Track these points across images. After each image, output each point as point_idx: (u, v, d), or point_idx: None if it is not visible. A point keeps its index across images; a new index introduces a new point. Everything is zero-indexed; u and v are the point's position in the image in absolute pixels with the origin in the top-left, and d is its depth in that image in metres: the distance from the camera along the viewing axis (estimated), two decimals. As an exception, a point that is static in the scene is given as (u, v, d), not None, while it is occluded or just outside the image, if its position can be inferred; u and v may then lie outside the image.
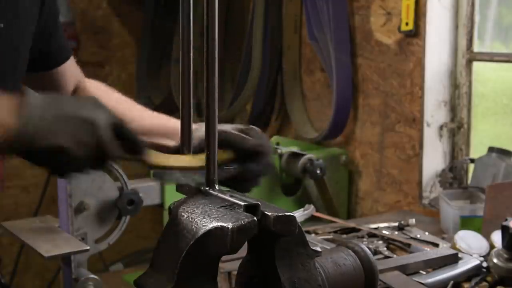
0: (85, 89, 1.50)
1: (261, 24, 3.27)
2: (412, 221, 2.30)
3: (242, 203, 0.96)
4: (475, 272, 1.90)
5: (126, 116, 1.33)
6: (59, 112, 0.99)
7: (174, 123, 1.34)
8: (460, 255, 1.94)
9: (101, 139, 1.00)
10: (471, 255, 1.95)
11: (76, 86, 1.51)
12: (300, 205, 2.42)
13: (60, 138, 0.98)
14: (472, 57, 2.73)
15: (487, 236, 2.04)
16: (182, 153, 1.11)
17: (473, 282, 1.87)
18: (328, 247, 1.96)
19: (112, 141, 1.01)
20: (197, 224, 0.94)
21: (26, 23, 1.30)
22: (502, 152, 2.50)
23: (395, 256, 2.07)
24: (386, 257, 2.06)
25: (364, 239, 2.21)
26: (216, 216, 0.94)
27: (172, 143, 1.29)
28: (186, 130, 1.10)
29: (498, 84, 2.82)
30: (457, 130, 2.79)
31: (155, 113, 1.42)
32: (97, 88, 1.51)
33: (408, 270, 1.85)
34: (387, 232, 2.24)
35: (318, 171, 2.77)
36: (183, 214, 0.98)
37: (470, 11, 2.71)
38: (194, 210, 0.97)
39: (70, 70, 1.49)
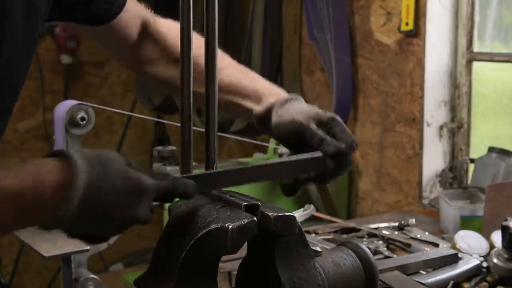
0: (155, 34, 1.38)
1: (261, 24, 3.27)
2: (412, 221, 2.29)
3: (242, 203, 0.96)
4: (475, 272, 1.90)
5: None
6: (107, 208, 0.87)
7: (254, 83, 1.24)
8: (460, 255, 1.94)
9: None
10: (471, 255, 1.95)
11: (142, 27, 1.38)
12: (300, 205, 2.41)
13: (103, 232, 0.92)
14: (472, 57, 2.73)
15: (487, 236, 2.03)
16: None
17: (473, 282, 1.87)
18: (328, 247, 1.96)
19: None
20: (197, 224, 0.94)
21: (24, 54, 1.16)
22: (502, 152, 2.50)
23: (395, 256, 2.07)
24: (386, 257, 2.06)
25: (364, 239, 2.21)
26: (216, 216, 0.94)
27: (252, 105, 1.21)
28: (186, 130, 1.10)
29: (498, 84, 2.82)
30: (457, 130, 2.79)
31: (234, 65, 1.30)
32: (167, 31, 1.37)
33: (408, 270, 1.85)
34: (387, 232, 2.24)
35: (318, 171, 2.76)
36: (183, 214, 0.98)
37: (470, 11, 2.71)
38: (194, 210, 0.97)
39: (129, 16, 1.35)
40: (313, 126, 1.12)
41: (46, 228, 0.90)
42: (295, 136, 1.12)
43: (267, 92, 1.24)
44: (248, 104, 1.23)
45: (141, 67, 1.41)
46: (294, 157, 1.08)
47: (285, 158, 1.08)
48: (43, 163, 0.88)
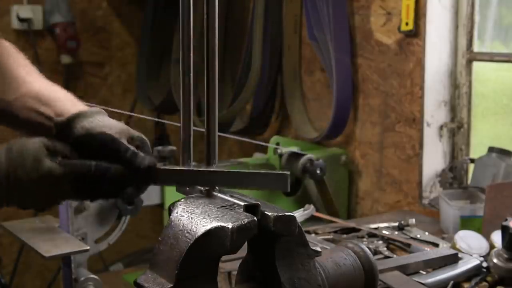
0: None
1: (261, 24, 3.27)
2: (412, 221, 2.30)
3: (242, 203, 0.96)
4: (475, 272, 1.90)
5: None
6: (26, 189, 1.05)
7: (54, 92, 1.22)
8: (460, 255, 1.94)
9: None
10: (471, 255, 1.95)
11: None
12: (300, 205, 2.42)
13: (33, 204, 1.09)
14: (472, 57, 2.73)
15: (487, 236, 2.04)
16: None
17: (473, 282, 1.87)
18: (328, 247, 1.96)
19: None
20: (197, 224, 0.94)
21: None
22: (502, 152, 2.50)
23: (395, 256, 2.07)
24: (386, 257, 2.06)
25: (364, 239, 2.21)
26: (216, 216, 0.94)
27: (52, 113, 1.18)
28: (186, 130, 1.10)
29: (498, 84, 2.82)
30: (457, 130, 2.79)
31: (41, 78, 1.27)
32: None
33: (408, 270, 1.85)
34: (387, 232, 2.24)
35: (318, 171, 2.77)
36: (183, 214, 0.98)
37: (470, 11, 2.71)
38: (194, 210, 0.97)
39: None
40: (124, 140, 1.14)
41: None
42: (104, 149, 1.09)
43: (69, 102, 1.21)
44: (48, 111, 1.19)
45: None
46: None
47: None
48: None
